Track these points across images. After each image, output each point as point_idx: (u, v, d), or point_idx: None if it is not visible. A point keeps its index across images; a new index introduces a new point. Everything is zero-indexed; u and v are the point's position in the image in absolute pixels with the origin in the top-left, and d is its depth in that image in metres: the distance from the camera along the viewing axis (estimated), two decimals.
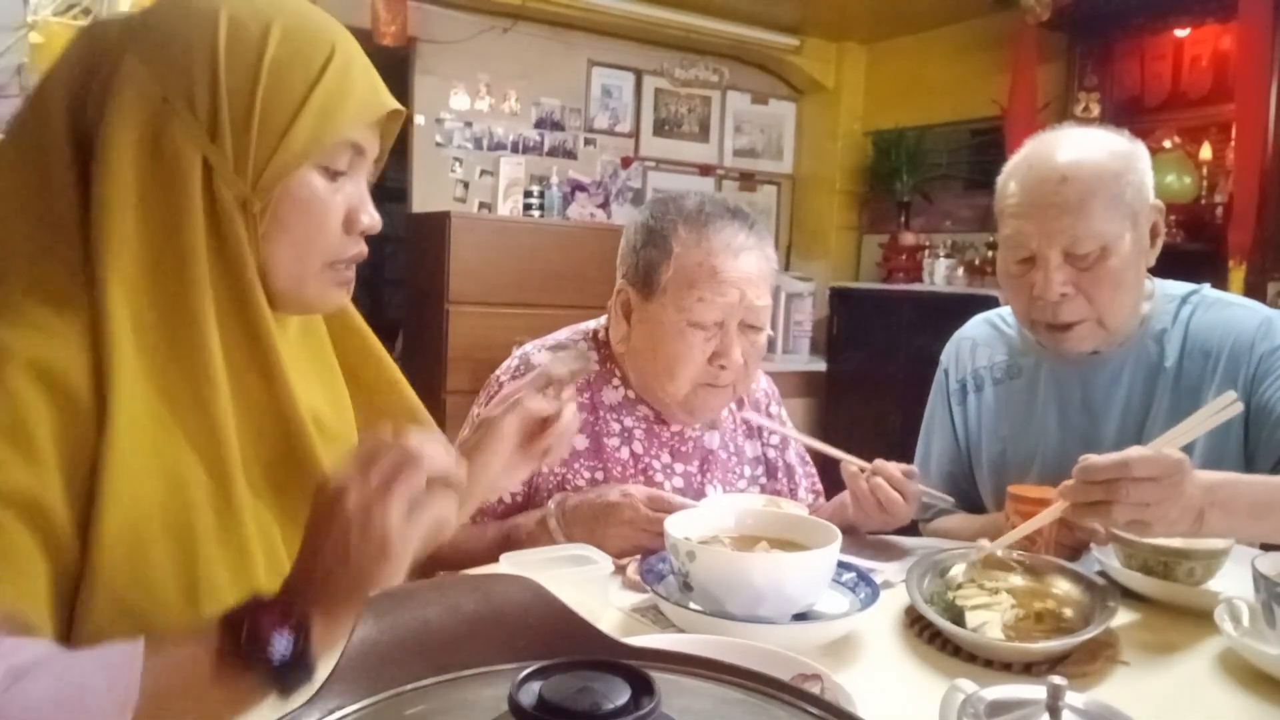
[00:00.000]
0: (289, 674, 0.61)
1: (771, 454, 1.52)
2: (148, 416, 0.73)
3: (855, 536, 1.31)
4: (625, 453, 1.38)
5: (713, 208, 1.35)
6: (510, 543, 1.22)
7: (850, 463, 1.29)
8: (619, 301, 1.40)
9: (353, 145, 0.82)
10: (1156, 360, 1.36)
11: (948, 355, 1.59)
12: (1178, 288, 1.41)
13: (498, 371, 1.43)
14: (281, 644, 0.61)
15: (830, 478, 1.46)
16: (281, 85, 0.77)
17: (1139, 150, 1.34)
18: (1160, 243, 1.35)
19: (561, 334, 1.47)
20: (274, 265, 0.81)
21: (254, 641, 0.61)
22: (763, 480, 1.50)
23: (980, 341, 1.54)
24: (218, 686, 0.61)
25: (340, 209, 0.83)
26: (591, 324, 1.48)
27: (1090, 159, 1.29)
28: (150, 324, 0.75)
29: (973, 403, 1.52)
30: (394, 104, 0.85)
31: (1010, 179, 1.37)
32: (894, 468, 1.27)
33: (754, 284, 1.33)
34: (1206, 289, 1.41)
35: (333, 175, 0.82)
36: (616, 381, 1.42)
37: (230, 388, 0.78)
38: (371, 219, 0.85)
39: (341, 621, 0.65)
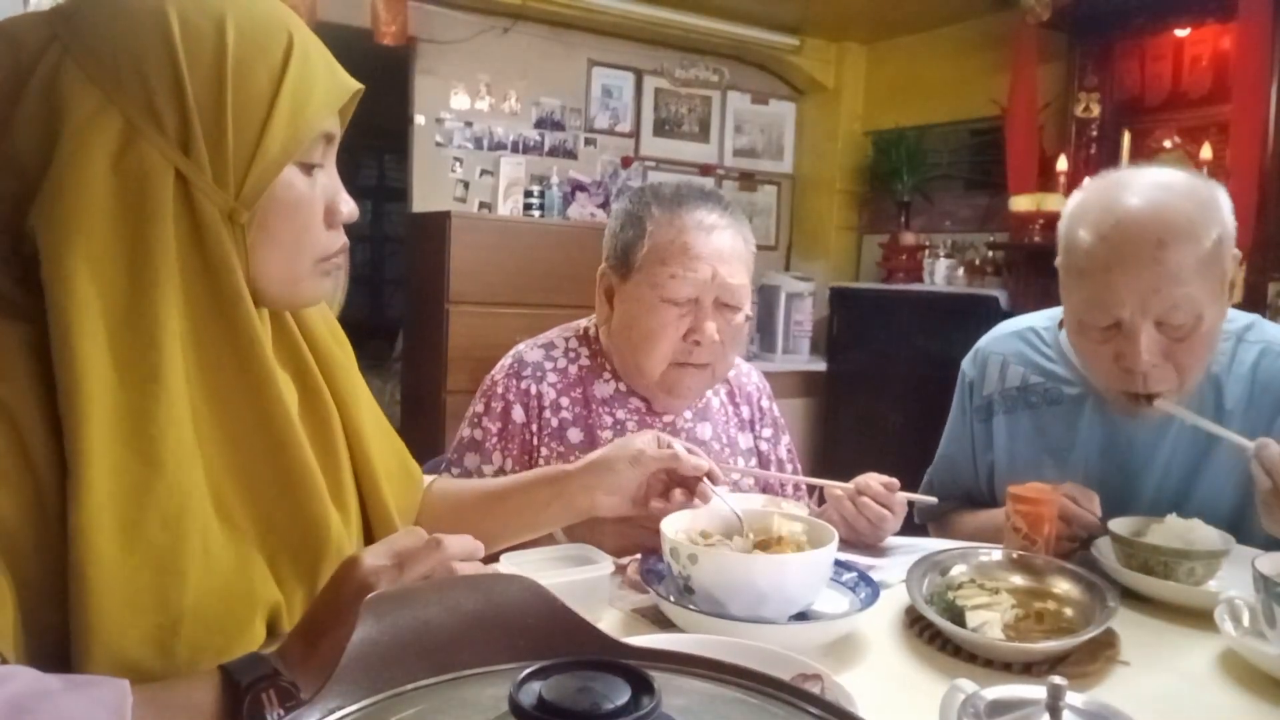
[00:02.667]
0: None
1: (764, 447, 1.53)
2: (121, 468, 0.68)
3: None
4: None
5: (687, 190, 1.40)
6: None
7: (834, 487, 1.27)
8: (601, 286, 1.44)
9: (325, 135, 0.79)
10: (1214, 402, 1.31)
11: (973, 367, 1.51)
12: (1228, 323, 1.32)
13: (494, 371, 1.43)
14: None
15: (824, 472, 1.47)
16: (249, 85, 0.72)
17: (1221, 197, 1.23)
18: (1235, 291, 1.27)
19: (552, 333, 1.49)
20: (265, 273, 0.77)
21: (254, 715, 0.63)
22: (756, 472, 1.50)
23: (1011, 359, 1.46)
24: None
25: (321, 204, 0.80)
26: (583, 322, 1.50)
27: (1184, 217, 1.18)
28: (126, 364, 0.69)
29: (1000, 423, 1.46)
30: (355, 84, 0.82)
31: (1082, 227, 1.24)
32: (876, 483, 1.26)
33: (727, 261, 1.34)
34: (1259, 322, 1.35)
35: (309, 169, 0.79)
36: (607, 375, 1.43)
37: (221, 427, 0.75)
38: (350, 208, 0.83)
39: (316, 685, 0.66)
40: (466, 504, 1.11)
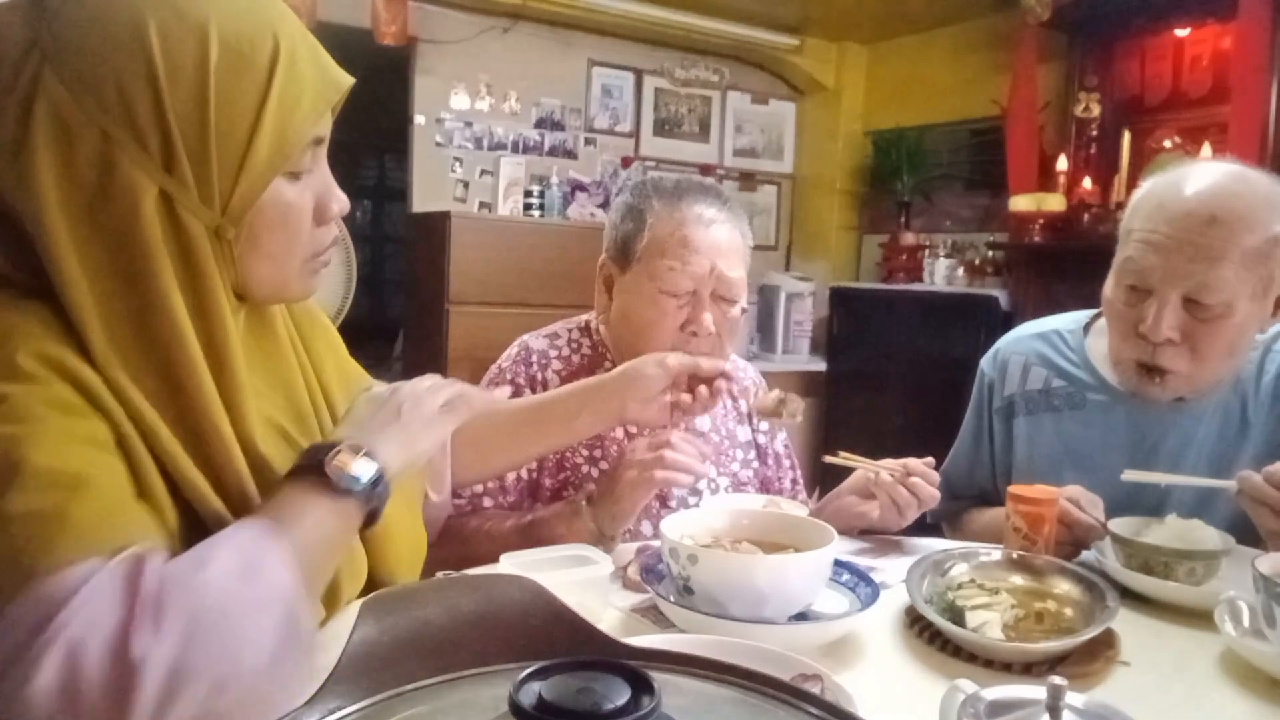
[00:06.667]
0: (377, 490, 0.77)
1: (762, 440, 1.54)
2: None
3: (855, 535, 1.32)
4: (620, 432, 1.41)
5: (687, 184, 1.43)
6: (536, 540, 1.20)
7: (885, 471, 1.26)
8: (601, 277, 1.46)
9: (314, 139, 0.77)
10: (1239, 412, 1.30)
11: (994, 367, 1.50)
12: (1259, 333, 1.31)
13: (500, 360, 1.45)
14: (365, 469, 0.76)
15: (823, 470, 1.46)
16: (233, 100, 0.70)
17: None
18: None
19: (556, 325, 1.51)
20: (254, 280, 0.78)
21: (341, 473, 0.74)
22: (755, 464, 1.51)
23: (1033, 361, 1.45)
24: (332, 517, 0.74)
25: (310, 206, 0.79)
26: (585, 316, 1.52)
27: (1244, 204, 1.18)
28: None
29: (1021, 425, 1.44)
30: (347, 80, 0.79)
31: (1148, 200, 1.27)
32: (921, 464, 1.27)
33: (725, 255, 1.36)
34: None
35: (296, 176, 0.77)
36: (608, 365, 1.44)
37: None
38: (341, 204, 0.82)
39: (393, 452, 0.80)
40: (503, 421, 1.18)
